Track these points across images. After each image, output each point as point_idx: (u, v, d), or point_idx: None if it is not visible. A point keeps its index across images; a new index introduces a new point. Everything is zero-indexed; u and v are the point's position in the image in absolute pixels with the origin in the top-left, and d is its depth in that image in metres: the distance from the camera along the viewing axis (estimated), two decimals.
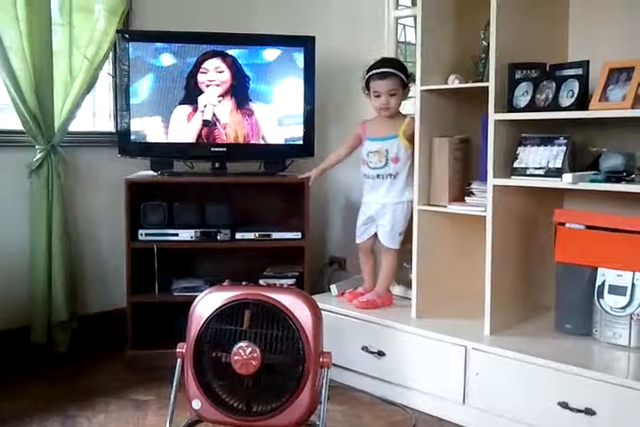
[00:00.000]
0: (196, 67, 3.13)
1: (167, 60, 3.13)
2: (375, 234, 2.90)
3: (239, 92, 3.18)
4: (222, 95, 3.16)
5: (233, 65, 3.15)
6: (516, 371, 2.25)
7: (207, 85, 3.14)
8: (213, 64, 3.14)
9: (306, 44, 3.19)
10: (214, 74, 3.14)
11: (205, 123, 3.15)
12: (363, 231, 2.93)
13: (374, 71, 2.78)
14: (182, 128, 3.16)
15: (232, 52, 3.15)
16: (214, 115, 3.16)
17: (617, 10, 2.52)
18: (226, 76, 3.15)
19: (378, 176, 2.82)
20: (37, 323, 3.03)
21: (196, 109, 3.14)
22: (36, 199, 3.03)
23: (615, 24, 2.52)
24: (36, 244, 3.04)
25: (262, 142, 3.23)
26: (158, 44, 3.12)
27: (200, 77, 3.13)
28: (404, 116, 2.84)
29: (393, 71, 2.75)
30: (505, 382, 2.28)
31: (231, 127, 3.18)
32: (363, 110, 3.13)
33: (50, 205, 3.03)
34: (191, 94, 3.14)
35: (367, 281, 2.98)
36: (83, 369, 2.97)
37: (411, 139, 2.73)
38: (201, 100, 3.14)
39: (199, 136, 3.17)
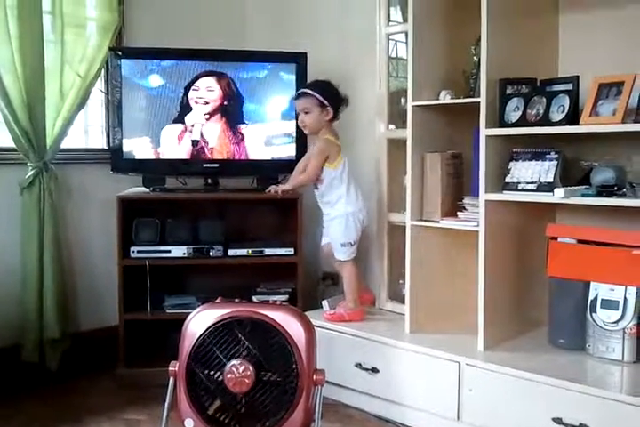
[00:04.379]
0: (188, 85, 3.14)
1: (159, 76, 3.14)
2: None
3: (230, 110, 3.19)
4: (211, 114, 3.17)
5: (225, 84, 3.17)
6: (509, 387, 2.24)
7: (196, 102, 3.15)
8: (205, 83, 3.15)
9: (298, 59, 3.21)
10: (205, 92, 3.15)
11: (193, 143, 3.16)
12: (323, 237, 3.02)
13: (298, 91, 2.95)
14: (174, 145, 3.16)
15: (224, 68, 3.17)
16: (202, 135, 3.16)
17: (606, 25, 2.54)
18: (216, 94, 3.17)
19: (317, 196, 2.95)
20: (29, 341, 3.01)
21: (185, 129, 3.15)
22: (27, 217, 3.02)
23: (604, 39, 2.54)
24: (28, 261, 3.02)
25: (254, 158, 3.24)
26: (150, 61, 3.13)
27: (190, 94, 3.14)
28: (325, 136, 2.89)
29: (306, 91, 2.87)
30: (499, 397, 2.27)
31: (217, 150, 3.19)
32: (353, 126, 3.14)
33: (41, 223, 3.02)
34: (182, 112, 3.15)
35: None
36: (74, 388, 2.94)
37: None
38: (188, 118, 3.15)
39: (191, 153, 3.17)
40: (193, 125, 3.16)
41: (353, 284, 2.93)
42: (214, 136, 3.19)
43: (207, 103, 3.16)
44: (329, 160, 2.86)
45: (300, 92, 2.91)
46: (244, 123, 3.21)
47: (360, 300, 2.95)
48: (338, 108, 2.89)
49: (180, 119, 3.15)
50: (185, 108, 3.15)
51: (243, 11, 3.83)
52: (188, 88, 3.14)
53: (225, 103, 3.18)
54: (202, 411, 1.95)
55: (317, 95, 2.85)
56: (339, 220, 2.88)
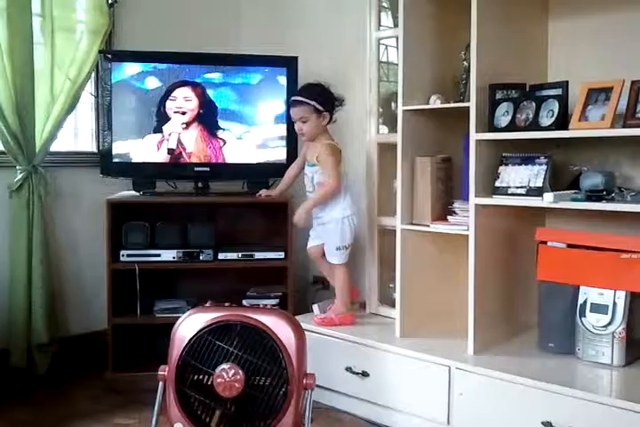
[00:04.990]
0: (164, 94, 3.15)
1: (149, 80, 3.14)
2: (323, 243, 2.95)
3: (212, 114, 3.19)
4: (190, 122, 3.17)
5: (200, 93, 3.18)
6: (499, 390, 2.24)
7: (178, 110, 3.16)
8: (181, 93, 3.15)
9: (289, 64, 3.21)
10: (182, 102, 3.16)
11: (169, 151, 3.16)
12: (311, 239, 2.98)
13: (292, 98, 2.89)
14: (162, 148, 3.16)
15: (215, 72, 3.17)
16: (181, 143, 3.16)
17: (595, 32, 2.56)
18: (194, 104, 3.16)
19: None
20: (17, 346, 3.00)
21: (163, 138, 3.15)
22: (16, 220, 3.00)
23: (593, 45, 2.56)
24: (16, 265, 3.00)
25: (244, 162, 3.24)
26: (140, 64, 3.12)
27: (168, 104, 3.15)
28: (325, 140, 2.87)
29: (301, 99, 2.82)
30: (489, 401, 2.27)
31: (204, 155, 3.19)
32: (343, 129, 3.14)
33: (30, 227, 3.01)
34: (160, 122, 3.15)
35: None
36: (63, 393, 2.92)
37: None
38: (168, 125, 3.15)
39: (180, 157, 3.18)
40: (170, 134, 3.15)
41: (345, 288, 2.92)
42: (196, 142, 3.19)
43: (184, 113, 3.16)
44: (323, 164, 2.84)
45: (294, 99, 2.86)
46: (221, 129, 3.21)
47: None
48: (334, 111, 2.88)
49: (158, 129, 3.15)
50: (163, 116, 3.14)
51: (234, 15, 3.83)
52: (165, 98, 3.14)
53: (202, 111, 3.18)
54: (191, 416, 1.94)
55: (313, 102, 2.81)
56: (335, 223, 2.86)
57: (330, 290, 3.38)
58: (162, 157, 3.16)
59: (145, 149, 3.14)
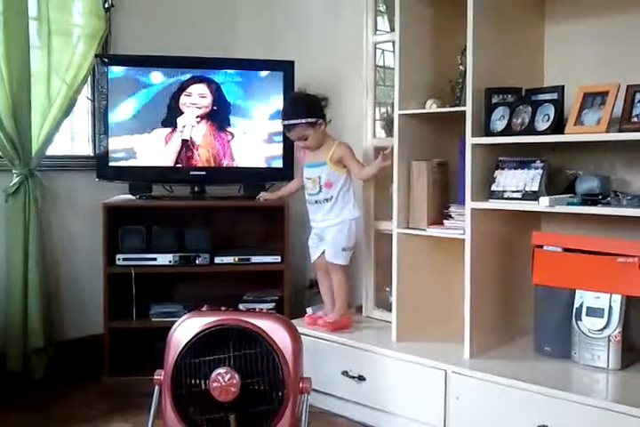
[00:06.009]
0: (177, 90, 3.16)
1: (146, 84, 3.14)
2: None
3: (218, 116, 3.21)
4: (200, 118, 3.19)
5: (214, 90, 3.19)
6: (495, 394, 2.24)
7: (188, 107, 3.17)
8: (196, 89, 3.17)
9: (285, 68, 3.22)
10: (196, 98, 3.17)
11: (183, 142, 3.16)
12: (314, 249, 2.94)
13: (282, 123, 2.86)
14: (161, 152, 3.16)
15: (212, 76, 3.18)
16: (191, 137, 3.17)
17: (591, 36, 2.57)
18: (207, 101, 3.18)
19: (315, 202, 2.87)
20: (13, 350, 2.98)
21: (174, 131, 3.16)
22: (12, 224, 3.00)
23: (589, 50, 2.57)
24: (13, 269, 3.00)
25: (241, 166, 3.24)
26: (137, 69, 3.13)
27: (182, 100, 3.16)
28: (334, 140, 2.87)
29: (291, 123, 2.79)
30: (485, 405, 2.27)
31: (204, 148, 3.20)
32: (340, 134, 3.14)
33: (26, 230, 3.00)
34: (169, 117, 3.16)
35: (326, 302, 2.98)
36: (59, 397, 2.91)
37: (339, 163, 2.82)
38: (180, 121, 3.16)
39: (177, 160, 3.17)
40: (184, 126, 3.17)
41: (344, 291, 2.91)
42: (200, 138, 3.20)
43: (200, 108, 3.18)
44: (338, 164, 2.84)
45: (285, 125, 2.82)
46: (230, 131, 3.22)
47: None
48: (325, 113, 2.86)
49: (166, 125, 3.15)
50: (172, 113, 3.15)
51: (231, 19, 3.83)
52: (176, 94, 3.16)
53: (215, 108, 3.20)
54: (187, 420, 1.94)
55: (304, 120, 2.77)
56: (342, 225, 2.83)
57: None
58: (167, 154, 3.16)
59: (142, 153, 3.14)
